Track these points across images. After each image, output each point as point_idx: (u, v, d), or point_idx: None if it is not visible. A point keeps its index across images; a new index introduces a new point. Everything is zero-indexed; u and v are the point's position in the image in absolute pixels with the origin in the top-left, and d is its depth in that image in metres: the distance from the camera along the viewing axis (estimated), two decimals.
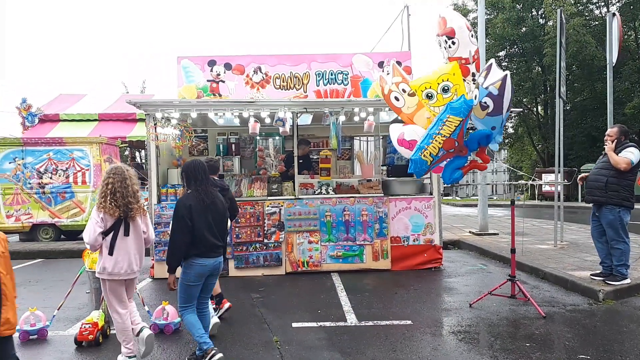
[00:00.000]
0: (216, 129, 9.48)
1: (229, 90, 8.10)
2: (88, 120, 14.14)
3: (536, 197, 20.24)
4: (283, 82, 8.97)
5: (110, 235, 3.95)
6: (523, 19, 24.24)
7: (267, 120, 7.88)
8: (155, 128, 7.35)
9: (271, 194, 7.63)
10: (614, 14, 8.91)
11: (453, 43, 4.79)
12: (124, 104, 13.31)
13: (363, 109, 7.71)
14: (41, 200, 10.65)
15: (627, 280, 5.84)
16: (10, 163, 10.62)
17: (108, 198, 3.89)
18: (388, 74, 7.78)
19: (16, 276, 3.05)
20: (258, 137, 9.32)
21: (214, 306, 5.13)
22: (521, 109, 24.73)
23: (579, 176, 7.06)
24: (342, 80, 9.04)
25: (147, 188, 7.71)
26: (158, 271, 7.23)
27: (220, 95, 7.94)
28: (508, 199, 19.47)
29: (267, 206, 7.41)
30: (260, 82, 8.14)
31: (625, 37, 20.83)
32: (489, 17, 23.91)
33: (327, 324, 5.02)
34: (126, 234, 3.99)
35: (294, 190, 7.62)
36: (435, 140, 4.56)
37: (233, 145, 9.44)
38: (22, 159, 10.64)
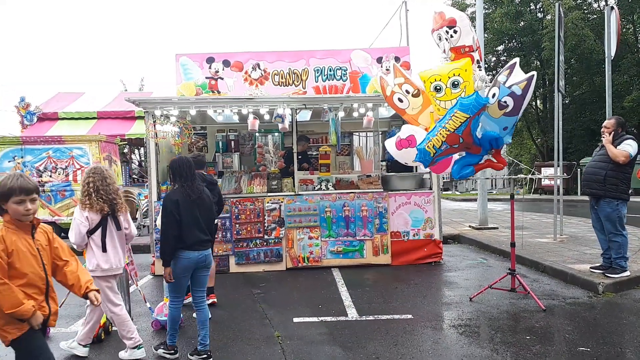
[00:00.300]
0: (215, 126, 9.48)
1: (228, 87, 8.10)
2: (87, 118, 14.13)
3: (532, 190, 20.25)
4: (282, 78, 8.96)
5: (99, 232, 4.03)
6: (521, 13, 24.18)
7: (266, 117, 7.89)
8: (155, 125, 7.34)
9: (271, 191, 7.64)
10: (612, 8, 8.89)
11: (455, 32, 4.78)
12: (122, 101, 13.30)
13: (362, 105, 7.71)
14: (41, 199, 10.62)
15: (627, 273, 5.85)
16: (9, 162, 10.61)
17: (93, 195, 3.99)
18: (387, 70, 7.80)
19: None
20: (257, 134, 9.32)
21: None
22: None
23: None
24: (341, 76, 9.03)
25: (147, 185, 7.71)
26: (159, 268, 7.23)
27: (219, 92, 7.93)
28: (507, 193, 19.50)
29: (267, 202, 7.43)
30: (258, 79, 8.14)
31: (624, 30, 20.77)
32: (487, 11, 23.84)
33: (328, 318, 5.05)
34: (118, 228, 4.13)
35: (294, 186, 7.63)
36: (440, 133, 4.54)
37: (232, 142, 9.44)
38: (22, 157, 10.63)
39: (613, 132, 5.78)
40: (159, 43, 63.72)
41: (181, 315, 4.32)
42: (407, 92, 5.08)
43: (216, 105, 7.44)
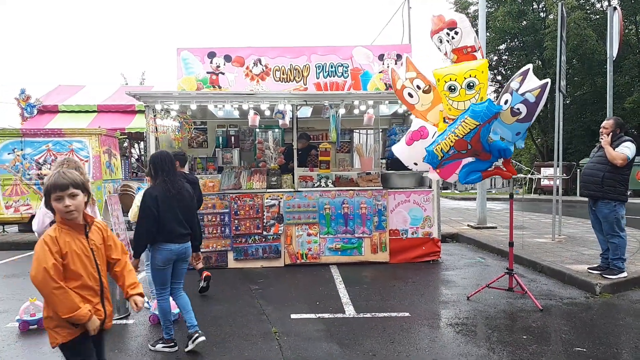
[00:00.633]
0: (216, 121, 9.47)
1: (229, 82, 8.09)
2: (87, 111, 14.12)
3: (532, 190, 20.27)
4: (283, 74, 8.95)
5: None
6: (524, 12, 24.12)
7: (267, 113, 7.88)
8: (155, 120, 7.34)
9: (270, 187, 7.64)
10: (615, 8, 8.88)
11: (456, 33, 4.75)
12: (123, 95, 13.28)
13: (363, 102, 7.70)
14: (40, 191, 10.64)
15: (624, 274, 5.86)
16: (9, 154, 10.61)
17: None
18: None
19: (15, 267, 3.05)
20: (257, 130, 9.32)
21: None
22: None
23: None
24: (342, 73, 9.02)
25: (146, 179, 7.71)
26: None
27: (219, 87, 7.92)
28: (506, 193, 19.51)
29: (267, 199, 7.43)
30: (260, 74, 8.13)
31: (626, 31, 20.76)
32: (489, 10, 23.81)
33: (326, 315, 5.06)
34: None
35: (293, 182, 7.63)
36: (448, 138, 4.50)
37: (232, 138, 9.44)
38: (21, 150, 10.63)
39: (611, 133, 5.76)
40: (161, 37, 63.60)
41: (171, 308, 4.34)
42: (418, 87, 5.01)
43: (217, 100, 7.43)
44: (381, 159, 8.96)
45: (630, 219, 8.14)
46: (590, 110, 23.69)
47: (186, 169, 7.82)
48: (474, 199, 14.25)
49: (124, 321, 5.11)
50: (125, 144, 16.74)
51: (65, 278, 2.47)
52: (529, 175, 7.08)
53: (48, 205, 2.55)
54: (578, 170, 17.43)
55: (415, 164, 5.52)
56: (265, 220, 7.41)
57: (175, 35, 65.01)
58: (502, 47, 26.64)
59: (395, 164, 8.05)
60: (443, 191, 23.25)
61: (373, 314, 5.09)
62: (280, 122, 7.58)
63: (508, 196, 5.88)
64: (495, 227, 10.61)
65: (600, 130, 5.93)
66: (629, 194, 6.04)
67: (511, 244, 5.69)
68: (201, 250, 7.25)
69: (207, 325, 4.76)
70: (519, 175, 6.78)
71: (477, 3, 16.32)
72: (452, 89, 4.62)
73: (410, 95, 5.13)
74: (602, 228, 5.93)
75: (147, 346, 4.26)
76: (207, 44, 12.41)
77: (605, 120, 5.99)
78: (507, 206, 6.74)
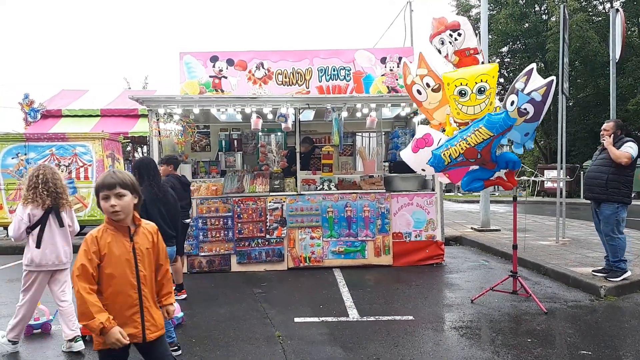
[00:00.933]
0: (218, 124, 9.49)
1: (231, 86, 8.11)
2: (90, 116, 14.14)
3: (535, 192, 20.21)
4: (285, 78, 8.97)
5: (38, 228, 4.13)
6: (526, 14, 24.13)
7: (270, 116, 7.90)
8: (158, 124, 7.36)
9: (273, 190, 7.64)
10: (617, 10, 8.87)
11: (459, 35, 4.75)
12: (126, 99, 13.32)
13: (365, 105, 7.71)
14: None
15: (628, 273, 5.84)
16: (13, 158, 10.64)
17: (39, 187, 4.08)
18: (392, 70, 7.79)
19: (19, 272, 3.04)
20: (260, 133, 9.33)
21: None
22: None
23: None
24: (345, 76, 9.03)
25: None
26: None
27: (222, 91, 7.94)
28: (510, 195, 19.45)
29: (270, 202, 7.43)
30: (262, 78, 8.14)
31: (629, 33, 20.75)
32: (491, 12, 23.81)
33: (329, 319, 5.04)
34: (61, 225, 4.23)
35: (296, 186, 7.63)
36: (459, 145, 4.46)
37: (235, 141, 9.45)
38: (25, 154, 10.65)
39: (613, 135, 5.78)
40: (163, 41, 63.83)
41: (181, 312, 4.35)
42: (428, 85, 4.98)
43: (219, 104, 7.45)
44: (384, 161, 8.96)
45: (635, 221, 8.12)
46: (594, 112, 23.63)
47: (188, 172, 7.86)
48: (478, 201, 14.23)
49: None
50: (129, 148, 16.77)
51: (99, 282, 2.38)
52: (532, 178, 7.06)
53: (99, 204, 2.49)
54: (581, 172, 17.39)
55: (424, 170, 5.52)
56: (268, 224, 7.41)
57: (178, 39, 65.29)
58: (505, 49, 26.65)
59: (398, 166, 8.06)
60: (446, 194, 23.21)
61: (377, 317, 5.07)
62: (283, 125, 7.59)
63: (511, 199, 5.86)
64: (499, 230, 10.58)
65: (601, 132, 5.94)
66: (632, 196, 6.02)
67: (515, 247, 5.68)
68: (204, 253, 7.29)
69: (211, 328, 4.76)
70: (522, 177, 6.76)
71: (479, 5, 16.33)
72: (462, 94, 4.57)
73: (419, 92, 5.12)
74: (602, 229, 5.93)
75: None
76: (210, 48, 12.45)
77: (606, 122, 5.99)
78: (511, 209, 6.72)
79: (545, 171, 19.97)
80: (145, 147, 17.81)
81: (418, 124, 8.32)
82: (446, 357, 4.01)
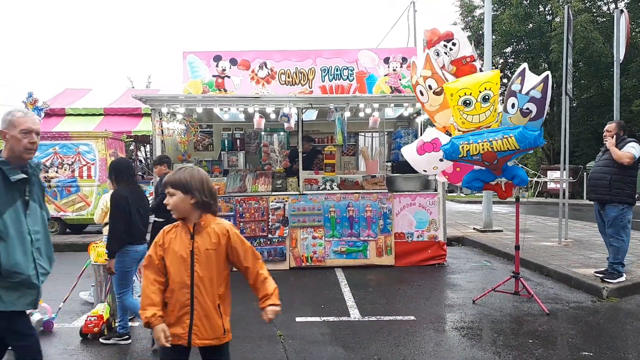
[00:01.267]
0: (221, 124, 9.51)
1: (234, 86, 8.12)
2: (94, 114, 14.18)
3: (538, 193, 20.17)
4: (288, 77, 8.97)
5: None
6: (530, 15, 24.06)
7: (272, 116, 7.91)
8: (161, 123, 7.37)
9: (275, 190, 7.65)
10: (622, 11, 8.83)
11: (454, 44, 4.75)
12: (129, 98, 13.35)
13: (368, 105, 7.71)
14: (47, 194, 10.71)
15: (622, 278, 5.83)
16: None
17: None
18: (395, 70, 7.76)
19: None
20: (263, 133, 9.33)
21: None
22: None
23: None
24: (348, 76, 9.03)
25: (152, 183, 7.74)
26: None
27: (225, 90, 7.95)
28: (512, 196, 19.36)
29: (272, 201, 7.44)
30: (265, 78, 8.16)
31: (633, 34, 20.64)
32: (495, 13, 23.75)
33: (331, 318, 5.05)
34: None
35: (299, 185, 7.64)
36: (482, 144, 4.44)
37: (238, 141, 9.47)
38: None
39: (615, 135, 5.77)
40: (167, 41, 63.94)
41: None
42: (430, 87, 4.98)
43: (222, 103, 7.46)
44: (386, 162, 8.96)
45: (634, 221, 8.06)
46: (597, 113, 23.55)
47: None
48: (480, 202, 14.19)
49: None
50: (132, 147, 16.81)
51: (167, 275, 2.40)
52: (535, 179, 7.04)
53: None
54: (585, 173, 17.34)
55: (425, 170, 5.51)
56: (270, 223, 7.42)
57: (182, 39, 65.37)
58: (508, 50, 26.58)
59: (400, 167, 8.07)
60: (449, 194, 23.18)
61: (378, 317, 5.07)
62: (286, 125, 7.60)
63: (514, 199, 5.85)
64: (501, 231, 10.56)
65: (604, 133, 5.93)
66: (637, 196, 6.00)
67: (517, 247, 5.67)
68: None
69: None
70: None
71: (483, 6, 16.31)
72: (467, 103, 4.55)
73: (421, 93, 5.13)
74: (607, 231, 5.91)
75: (148, 348, 4.27)
76: (213, 48, 12.48)
77: (608, 123, 5.98)
78: (513, 209, 6.71)
79: (548, 172, 19.91)
80: (148, 146, 17.86)
81: (422, 125, 8.33)
82: (447, 358, 4.00)
